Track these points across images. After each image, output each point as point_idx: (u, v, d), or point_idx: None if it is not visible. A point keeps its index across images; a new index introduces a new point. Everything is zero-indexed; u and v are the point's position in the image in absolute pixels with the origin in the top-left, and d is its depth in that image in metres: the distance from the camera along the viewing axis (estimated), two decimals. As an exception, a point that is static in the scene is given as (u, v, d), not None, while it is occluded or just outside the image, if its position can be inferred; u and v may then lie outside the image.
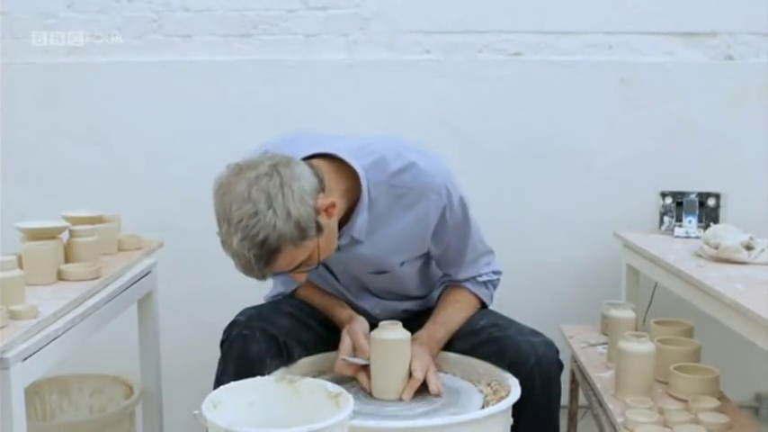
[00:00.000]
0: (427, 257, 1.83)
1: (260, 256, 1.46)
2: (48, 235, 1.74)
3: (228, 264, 1.50)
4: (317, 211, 1.51)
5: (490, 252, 1.87)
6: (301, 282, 1.71)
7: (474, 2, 2.54)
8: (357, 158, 1.65)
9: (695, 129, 2.56)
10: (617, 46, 2.56)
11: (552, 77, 2.55)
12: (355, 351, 1.71)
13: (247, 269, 1.49)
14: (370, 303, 1.86)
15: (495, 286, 1.89)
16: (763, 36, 2.54)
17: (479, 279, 1.84)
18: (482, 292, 1.85)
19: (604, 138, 2.58)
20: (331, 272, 1.84)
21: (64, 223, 1.84)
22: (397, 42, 2.55)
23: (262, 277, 1.52)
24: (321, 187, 1.54)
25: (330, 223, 1.56)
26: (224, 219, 1.48)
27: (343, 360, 1.70)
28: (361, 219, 1.66)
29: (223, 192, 1.49)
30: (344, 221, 1.66)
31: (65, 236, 1.82)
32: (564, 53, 2.55)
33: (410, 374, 1.65)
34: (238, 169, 1.49)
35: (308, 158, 1.61)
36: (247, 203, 1.45)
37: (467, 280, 1.84)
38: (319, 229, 1.51)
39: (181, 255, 2.50)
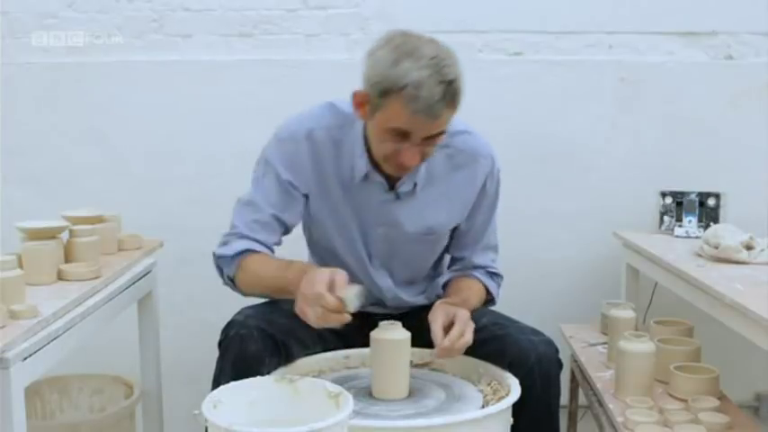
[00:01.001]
0: (448, 241, 1.87)
1: (446, 92, 1.49)
2: (48, 235, 1.74)
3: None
4: None
5: (497, 249, 1.91)
6: (410, 165, 1.61)
7: (474, 2, 2.54)
8: None
9: (695, 129, 2.56)
10: (617, 46, 2.56)
11: (552, 77, 2.55)
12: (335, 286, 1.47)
13: (428, 102, 1.49)
14: (386, 284, 1.86)
15: (499, 284, 1.91)
16: (763, 36, 2.54)
17: (489, 270, 1.88)
18: (491, 284, 1.88)
19: (604, 138, 2.58)
20: (363, 238, 1.80)
21: (64, 223, 1.84)
22: (397, 42, 2.55)
23: (434, 118, 1.51)
24: None
25: None
26: (407, 56, 1.49)
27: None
28: (423, 166, 1.71)
29: (398, 42, 1.52)
30: None
31: (65, 236, 1.82)
32: (564, 53, 2.55)
33: (409, 372, 1.65)
34: (402, 33, 1.56)
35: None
36: (439, 46, 1.51)
37: (477, 268, 1.86)
38: None
39: (181, 255, 2.50)
